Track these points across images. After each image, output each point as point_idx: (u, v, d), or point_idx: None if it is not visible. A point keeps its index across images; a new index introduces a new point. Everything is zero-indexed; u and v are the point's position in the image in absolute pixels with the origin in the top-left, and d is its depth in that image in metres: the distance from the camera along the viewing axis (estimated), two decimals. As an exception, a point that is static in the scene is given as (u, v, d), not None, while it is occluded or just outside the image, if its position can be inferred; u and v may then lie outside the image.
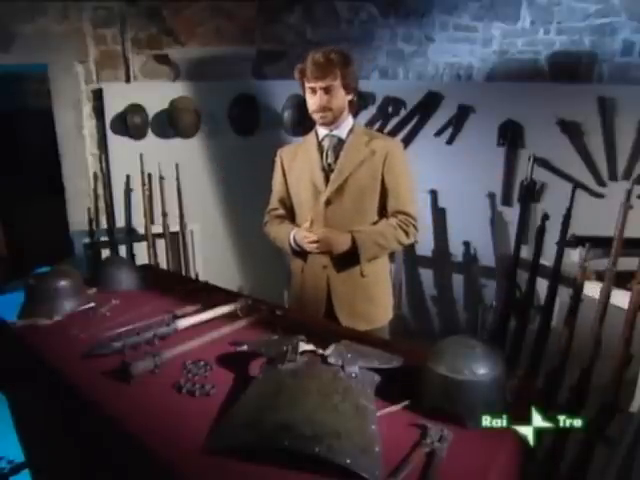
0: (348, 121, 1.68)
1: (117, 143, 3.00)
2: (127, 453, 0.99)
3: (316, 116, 1.62)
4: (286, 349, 1.12)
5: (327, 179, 1.65)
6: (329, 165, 1.66)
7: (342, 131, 1.66)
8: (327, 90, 1.56)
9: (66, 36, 2.90)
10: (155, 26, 2.99)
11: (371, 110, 2.93)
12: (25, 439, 1.63)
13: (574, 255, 2.20)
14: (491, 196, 2.91)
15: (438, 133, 2.91)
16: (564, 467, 1.71)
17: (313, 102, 1.59)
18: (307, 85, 1.58)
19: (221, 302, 1.53)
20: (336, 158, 1.65)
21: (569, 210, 2.12)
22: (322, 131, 1.68)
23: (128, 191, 3.00)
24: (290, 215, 1.80)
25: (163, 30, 3.00)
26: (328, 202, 1.64)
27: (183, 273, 3.04)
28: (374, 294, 1.73)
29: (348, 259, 1.63)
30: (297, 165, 1.72)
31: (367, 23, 3.03)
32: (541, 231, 2.24)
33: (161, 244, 3.01)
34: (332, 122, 1.63)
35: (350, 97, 1.63)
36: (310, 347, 1.13)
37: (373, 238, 1.62)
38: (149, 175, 2.95)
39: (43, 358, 1.30)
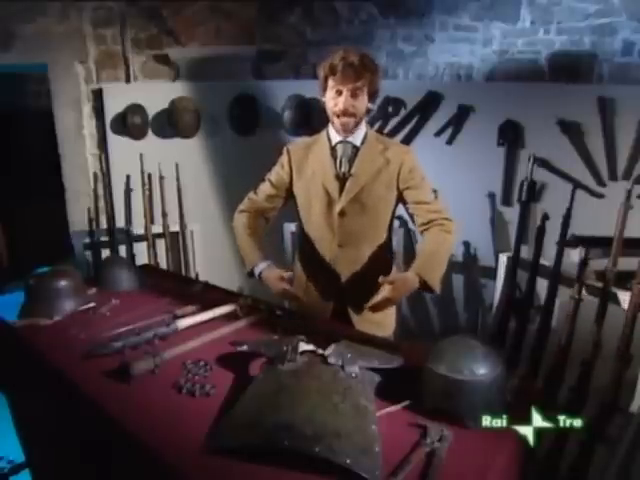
0: (362, 128, 1.58)
1: (117, 143, 3.00)
2: (127, 453, 0.99)
3: (337, 121, 1.51)
4: (286, 349, 1.12)
5: (341, 188, 1.56)
6: (344, 174, 1.57)
7: (357, 138, 1.57)
8: (354, 93, 1.46)
9: (66, 36, 2.90)
10: (155, 26, 2.99)
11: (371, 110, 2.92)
12: (25, 439, 1.63)
13: (574, 255, 2.19)
14: (491, 196, 2.91)
15: (438, 133, 2.90)
16: (564, 467, 1.71)
17: (335, 103, 1.48)
18: (332, 84, 1.47)
19: (221, 302, 1.53)
20: (350, 166, 1.56)
21: (569, 210, 2.11)
22: (335, 136, 1.58)
23: (128, 191, 3.00)
24: (269, 216, 1.70)
25: (163, 30, 3.00)
26: (342, 213, 1.56)
27: (183, 273, 3.04)
28: None
29: (365, 274, 1.57)
30: (308, 169, 1.61)
31: (367, 23, 3.03)
32: (541, 231, 2.24)
33: (161, 244, 3.01)
34: (352, 129, 1.54)
35: (370, 105, 1.55)
36: (310, 347, 1.14)
37: (438, 262, 1.48)
38: (149, 175, 2.95)
39: (43, 358, 1.30)
